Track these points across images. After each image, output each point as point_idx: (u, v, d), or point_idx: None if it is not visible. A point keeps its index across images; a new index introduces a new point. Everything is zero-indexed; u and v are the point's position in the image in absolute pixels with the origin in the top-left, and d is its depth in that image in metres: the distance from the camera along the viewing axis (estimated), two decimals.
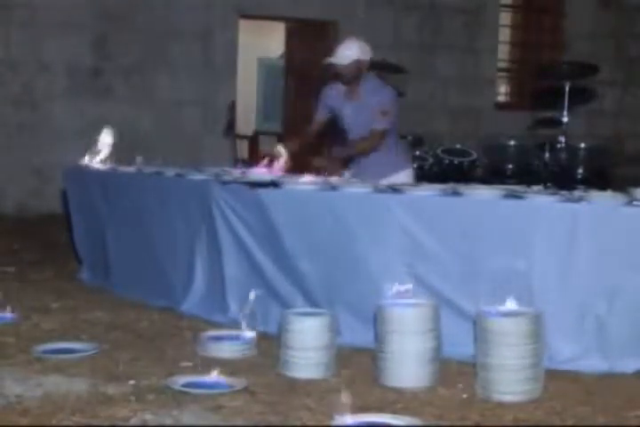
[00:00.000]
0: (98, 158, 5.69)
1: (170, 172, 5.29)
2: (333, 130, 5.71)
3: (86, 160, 5.72)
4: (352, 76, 5.33)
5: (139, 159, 5.63)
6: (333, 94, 5.49)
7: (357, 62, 5.28)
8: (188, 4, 9.74)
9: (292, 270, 4.48)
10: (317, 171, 5.12)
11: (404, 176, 5.46)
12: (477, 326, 3.57)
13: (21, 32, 9.16)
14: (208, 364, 3.72)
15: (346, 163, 5.51)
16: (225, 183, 4.81)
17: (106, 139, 5.64)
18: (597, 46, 11.73)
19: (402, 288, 3.71)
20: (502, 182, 6.29)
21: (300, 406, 3.35)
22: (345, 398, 3.02)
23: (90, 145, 5.79)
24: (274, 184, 4.66)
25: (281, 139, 11.32)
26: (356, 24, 10.13)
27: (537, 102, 10.65)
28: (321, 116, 5.57)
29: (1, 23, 9.09)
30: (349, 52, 5.27)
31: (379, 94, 5.32)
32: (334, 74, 5.44)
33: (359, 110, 5.35)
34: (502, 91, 11.99)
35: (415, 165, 8.10)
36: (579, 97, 8.63)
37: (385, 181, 5.04)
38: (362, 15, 10.29)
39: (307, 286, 4.43)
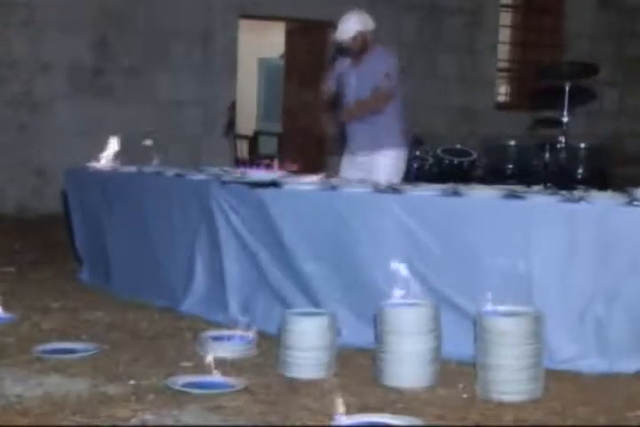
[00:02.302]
0: (101, 160, 5.70)
1: (170, 172, 5.29)
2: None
3: (90, 162, 5.74)
4: (359, 49, 5.48)
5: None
6: (343, 64, 5.64)
7: (360, 34, 5.40)
8: (188, 4, 9.73)
9: (292, 270, 4.47)
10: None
11: (393, 158, 5.51)
12: (477, 326, 3.57)
13: (21, 32, 9.15)
14: (208, 364, 3.72)
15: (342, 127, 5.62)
16: (225, 183, 4.80)
17: (113, 146, 5.69)
18: (597, 46, 11.73)
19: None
20: (502, 182, 6.28)
21: (300, 406, 3.35)
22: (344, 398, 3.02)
23: (90, 146, 5.80)
24: (274, 184, 4.66)
25: (281, 138, 11.35)
26: None
27: (537, 102, 10.64)
28: (332, 85, 5.71)
29: (1, 23, 9.08)
30: (349, 25, 5.40)
31: (385, 60, 5.46)
32: (342, 49, 5.56)
33: (362, 77, 5.48)
34: (502, 91, 11.98)
35: (415, 165, 8.15)
36: (579, 97, 8.62)
37: (369, 157, 5.32)
38: None
39: (307, 285, 4.43)
